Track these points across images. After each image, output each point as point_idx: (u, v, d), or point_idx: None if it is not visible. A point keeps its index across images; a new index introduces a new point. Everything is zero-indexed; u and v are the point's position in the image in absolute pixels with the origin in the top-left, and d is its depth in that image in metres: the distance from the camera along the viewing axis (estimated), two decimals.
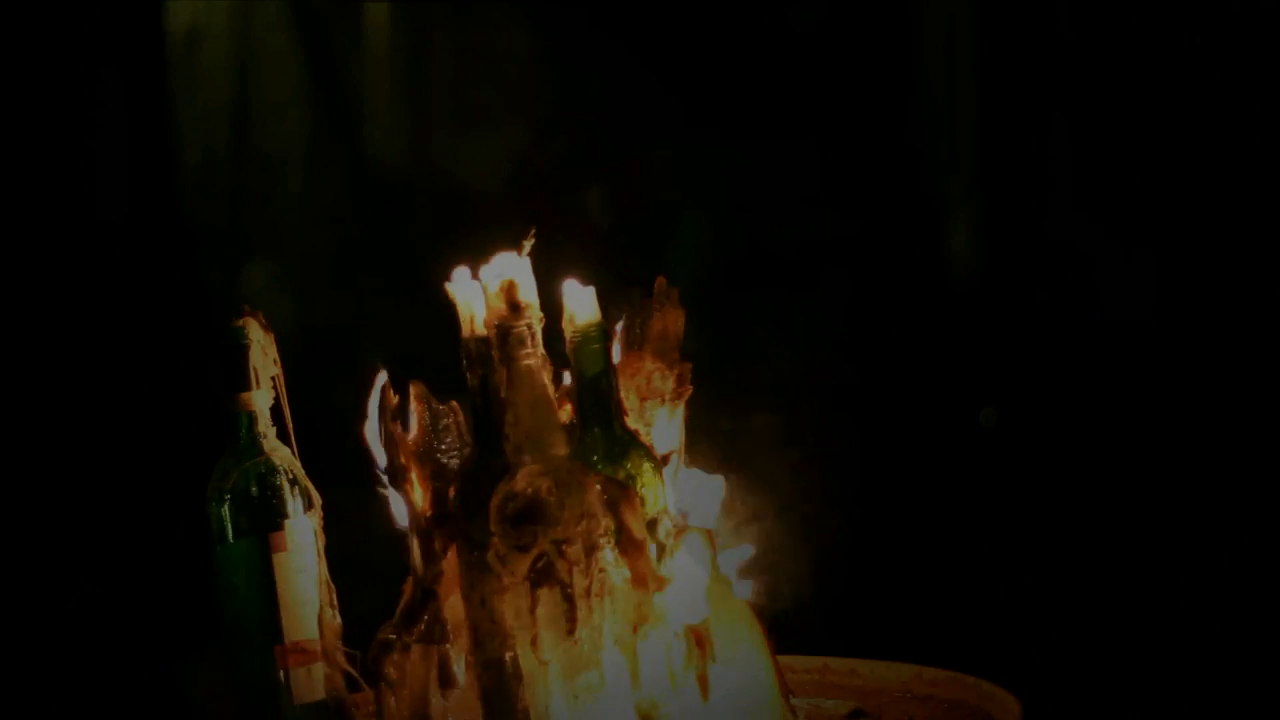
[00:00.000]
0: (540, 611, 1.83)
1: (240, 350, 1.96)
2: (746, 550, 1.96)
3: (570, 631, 1.83)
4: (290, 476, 1.96)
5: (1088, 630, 3.16)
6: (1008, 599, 3.21)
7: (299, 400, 2.00)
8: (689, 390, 2.01)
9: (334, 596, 1.97)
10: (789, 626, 1.94)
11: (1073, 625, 3.17)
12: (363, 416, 1.96)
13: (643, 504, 1.88)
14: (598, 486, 1.85)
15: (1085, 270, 3.28)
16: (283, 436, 1.98)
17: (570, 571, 1.83)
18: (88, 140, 3.30)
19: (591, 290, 1.94)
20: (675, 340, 2.02)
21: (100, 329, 3.26)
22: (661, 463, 1.96)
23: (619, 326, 2.00)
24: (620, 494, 1.86)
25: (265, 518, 1.95)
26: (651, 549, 1.87)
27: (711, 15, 3.39)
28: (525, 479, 1.84)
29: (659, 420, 2.00)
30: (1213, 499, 3.14)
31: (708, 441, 2.04)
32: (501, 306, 1.90)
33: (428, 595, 1.93)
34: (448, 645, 1.94)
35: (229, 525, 1.95)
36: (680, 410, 2.01)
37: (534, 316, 1.90)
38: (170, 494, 3.05)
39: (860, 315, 3.38)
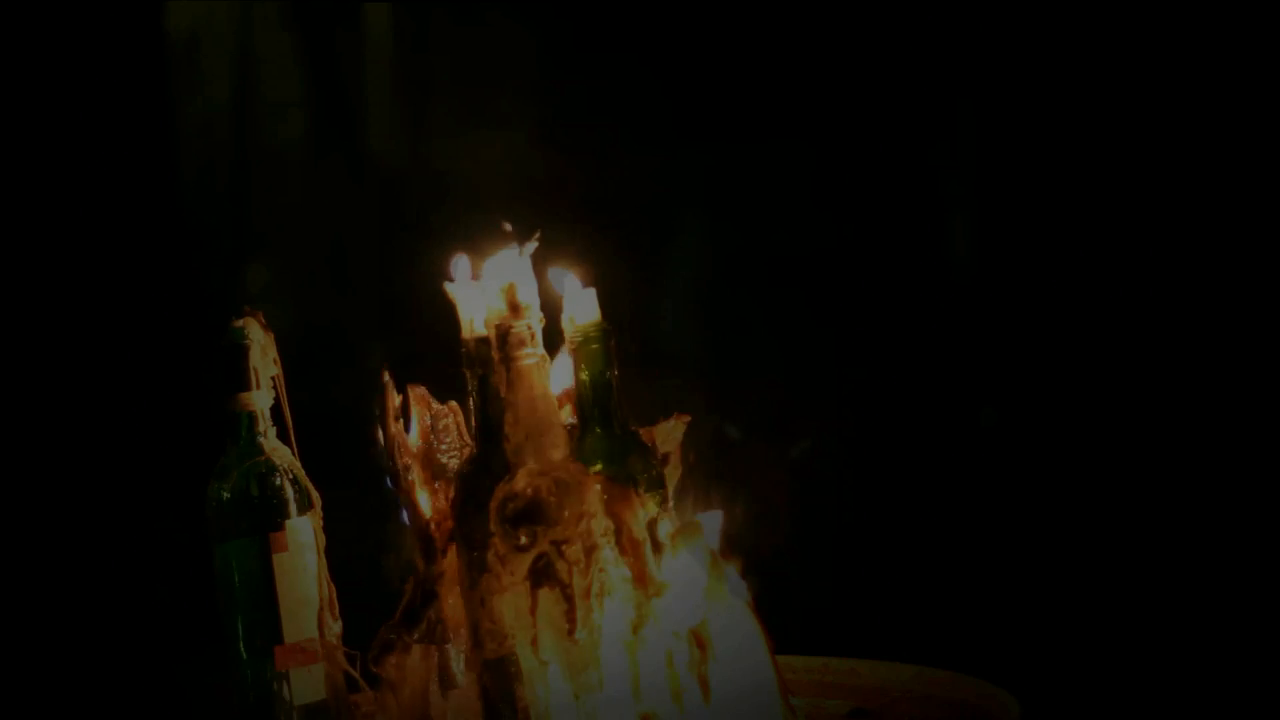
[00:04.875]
0: (540, 611, 1.83)
1: (240, 350, 1.96)
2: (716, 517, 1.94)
3: (570, 631, 1.83)
4: (290, 476, 1.96)
5: (1088, 630, 3.16)
6: (1008, 599, 3.21)
7: (299, 400, 2.00)
8: (688, 417, 2.01)
9: (334, 596, 1.97)
10: (789, 626, 1.94)
11: (1073, 625, 3.17)
12: (373, 419, 1.96)
13: (642, 504, 1.89)
14: (598, 486, 1.85)
15: (1085, 270, 3.28)
16: (283, 436, 1.99)
17: (570, 571, 1.83)
18: (87, 140, 3.30)
19: (592, 290, 1.94)
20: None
21: (100, 329, 3.26)
22: (662, 463, 1.97)
23: None
24: (620, 494, 1.86)
25: (265, 518, 1.95)
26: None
27: (711, 15, 3.39)
28: (525, 479, 1.85)
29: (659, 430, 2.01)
30: (1213, 499, 3.14)
31: (707, 443, 2.05)
32: (501, 307, 1.90)
33: (428, 595, 1.93)
34: (448, 645, 1.94)
35: (229, 525, 1.95)
36: (681, 426, 2.01)
37: (534, 316, 1.90)
38: (170, 494, 3.05)
39: (860, 315, 3.38)
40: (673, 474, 1.97)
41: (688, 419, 2.00)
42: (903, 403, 3.36)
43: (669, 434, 1.99)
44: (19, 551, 3.17)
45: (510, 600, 1.84)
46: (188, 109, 3.45)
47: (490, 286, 1.92)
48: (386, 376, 1.97)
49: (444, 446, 1.97)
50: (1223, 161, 3.16)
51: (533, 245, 1.93)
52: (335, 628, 1.96)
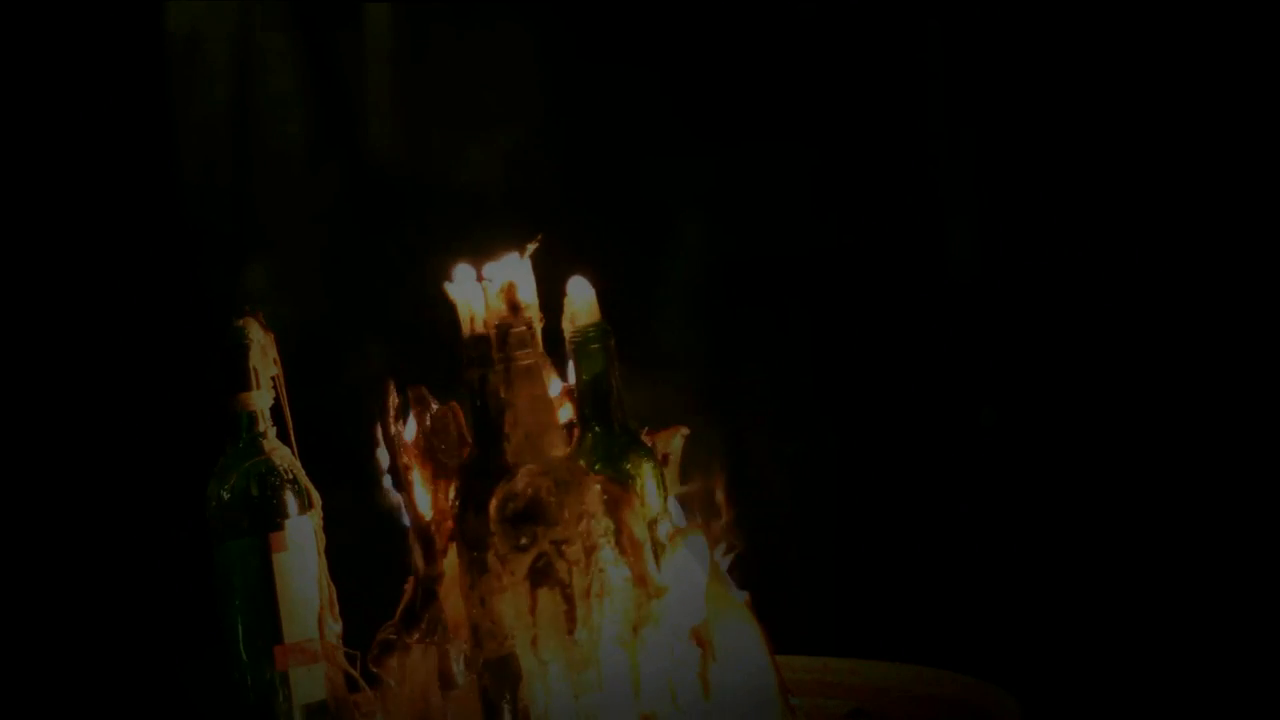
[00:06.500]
0: (540, 611, 1.83)
1: (240, 350, 1.96)
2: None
3: (570, 631, 1.83)
4: (290, 476, 1.96)
5: (1088, 630, 3.16)
6: (1007, 599, 3.21)
7: (299, 400, 2.00)
8: (686, 429, 2.02)
9: (334, 596, 1.97)
10: (789, 626, 1.94)
11: (1073, 625, 3.17)
12: (373, 422, 1.96)
13: (642, 504, 1.89)
14: (597, 486, 1.85)
15: (1084, 270, 3.28)
16: (283, 436, 1.99)
17: (570, 571, 1.83)
18: (88, 140, 3.30)
19: (592, 290, 1.94)
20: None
21: (100, 329, 3.26)
22: (662, 462, 1.97)
23: None
24: (620, 494, 1.86)
25: (265, 518, 1.95)
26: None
27: (710, 16, 3.39)
28: (525, 479, 1.85)
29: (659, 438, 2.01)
30: (1213, 499, 3.14)
31: (706, 442, 2.04)
32: (501, 307, 1.90)
33: (428, 595, 1.94)
34: (448, 645, 1.94)
35: (229, 525, 1.95)
36: (680, 436, 2.01)
37: (534, 316, 1.90)
38: (170, 494, 3.05)
39: (860, 315, 3.38)
40: (672, 480, 1.97)
41: (686, 431, 2.00)
42: (903, 402, 3.36)
43: (668, 442, 1.99)
44: (20, 552, 3.17)
45: (510, 600, 1.84)
46: (188, 108, 3.45)
47: (490, 287, 1.92)
48: (387, 379, 1.98)
49: (444, 446, 1.97)
50: (1222, 162, 3.16)
51: (533, 246, 1.93)
52: (335, 628, 1.96)
